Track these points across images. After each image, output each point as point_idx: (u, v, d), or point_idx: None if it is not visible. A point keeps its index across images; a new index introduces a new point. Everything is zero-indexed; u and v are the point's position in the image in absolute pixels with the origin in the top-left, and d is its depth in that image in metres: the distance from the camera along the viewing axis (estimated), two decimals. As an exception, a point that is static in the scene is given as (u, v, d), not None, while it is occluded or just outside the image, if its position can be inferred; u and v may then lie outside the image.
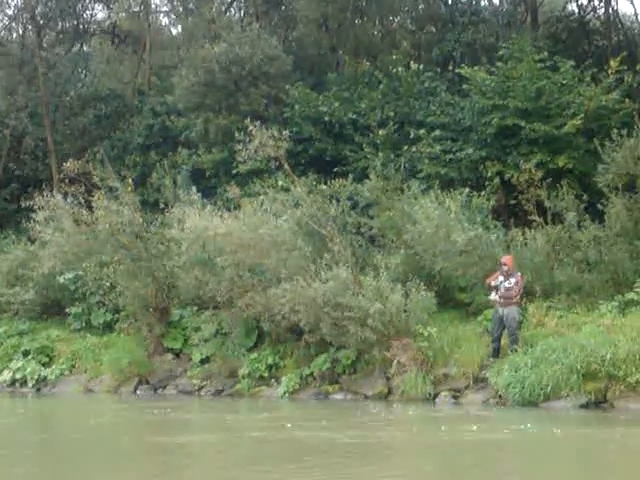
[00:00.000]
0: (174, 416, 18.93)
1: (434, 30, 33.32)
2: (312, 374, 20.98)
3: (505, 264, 19.41)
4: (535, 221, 21.57)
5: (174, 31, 44.70)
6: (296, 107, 28.46)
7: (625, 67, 25.34)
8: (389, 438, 14.99)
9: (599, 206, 21.34)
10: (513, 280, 19.23)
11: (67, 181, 24.70)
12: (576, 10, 34.49)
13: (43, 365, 24.84)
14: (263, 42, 29.31)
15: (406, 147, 25.97)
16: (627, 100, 24.79)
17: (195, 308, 24.04)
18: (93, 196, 24.11)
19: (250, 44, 28.96)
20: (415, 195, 22.54)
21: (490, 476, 12.21)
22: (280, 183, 24.02)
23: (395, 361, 19.50)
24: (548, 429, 15.49)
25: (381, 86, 28.44)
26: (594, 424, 16.17)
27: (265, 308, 21.10)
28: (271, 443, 14.99)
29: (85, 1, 38.60)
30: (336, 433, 15.57)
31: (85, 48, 42.01)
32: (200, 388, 22.57)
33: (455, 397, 18.99)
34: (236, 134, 23.60)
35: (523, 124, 23.99)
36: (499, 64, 25.66)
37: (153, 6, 41.97)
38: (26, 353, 25.17)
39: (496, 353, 19.04)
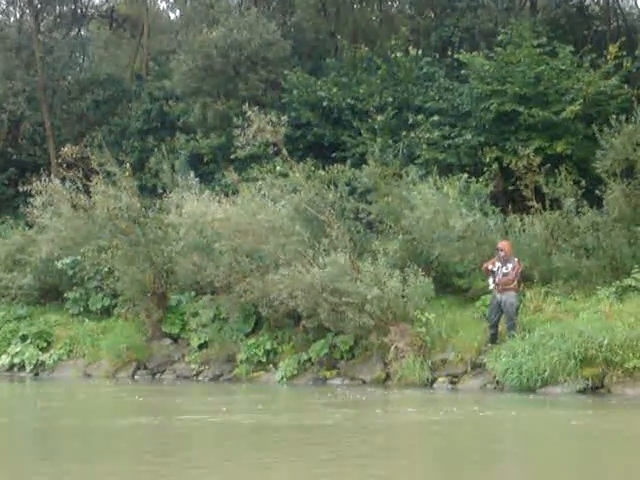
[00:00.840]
0: (131, 399, 18.92)
1: (433, 15, 33.29)
2: (310, 359, 21.00)
3: (502, 249, 19.39)
4: (533, 207, 21.55)
5: (172, 16, 44.71)
6: (294, 92, 28.42)
7: (624, 52, 25.31)
8: (323, 421, 14.96)
9: (597, 192, 21.30)
10: (510, 266, 19.20)
11: (65, 166, 24.67)
12: (575, -5, 34.40)
13: (41, 350, 24.86)
14: (261, 27, 29.25)
15: (404, 133, 25.95)
16: (626, 86, 24.78)
17: (193, 293, 24.05)
18: (91, 181, 24.08)
19: (248, 29, 28.90)
20: (413, 181, 22.51)
21: (398, 456, 12.06)
22: (278, 168, 23.99)
23: (393, 346, 19.51)
24: (476, 412, 15.67)
25: (379, 71, 28.39)
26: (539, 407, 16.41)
27: (263, 293, 21.09)
28: (189, 427, 14.93)
29: (83, -15, 38.57)
30: (270, 416, 15.58)
31: (83, 32, 41.97)
32: (198, 373, 22.62)
33: (453, 382, 19.02)
34: (234, 119, 23.59)
35: (522, 110, 23.97)
36: (498, 49, 25.63)
37: (151, -10, 41.91)
38: (24, 338, 25.20)
39: (494, 339, 19.04)
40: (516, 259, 19.41)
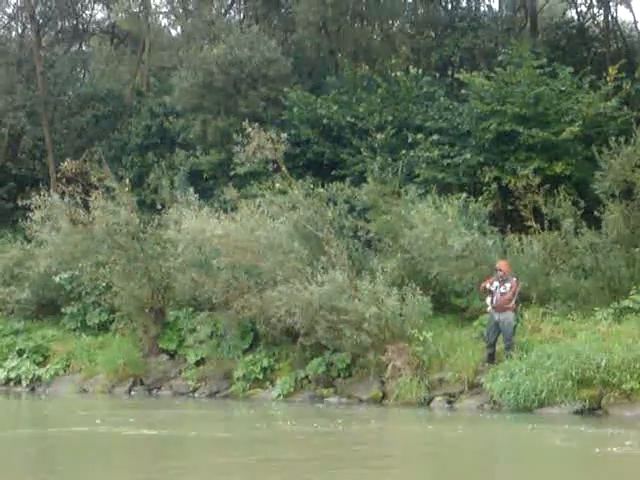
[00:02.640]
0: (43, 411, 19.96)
1: (433, 35, 33.32)
2: (307, 377, 20.98)
3: (500, 269, 19.40)
4: (532, 227, 21.60)
5: (173, 32, 44.62)
6: (294, 110, 28.43)
7: (623, 74, 25.32)
8: (194, 433, 15.75)
9: (596, 213, 21.36)
10: (508, 285, 19.21)
11: (64, 181, 24.72)
12: (575, 17, 34.51)
13: (38, 364, 24.83)
14: (262, 44, 29.29)
15: (404, 151, 25.92)
16: (625, 107, 24.80)
17: (191, 309, 24.01)
18: (90, 196, 24.11)
19: (249, 46, 28.94)
20: (412, 199, 22.55)
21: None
22: (277, 186, 23.96)
23: (390, 365, 19.49)
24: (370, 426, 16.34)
25: (380, 90, 28.39)
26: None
27: (261, 310, 21.09)
28: (49, 438, 15.80)
29: (84, 1, 38.50)
30: (138, 429, 16.18)
31: (84, 48, 42.02)
32: (194, 390, 22.58)
33: (450, 402, 18.99)
34: (234, 136, 23.62)
35: (521, 130, 24.00)
36: (498, 70, 25.66)
37: (153, 7, 41.79)
38: (21, 352, 25.16)
39: (491, 359, 19.02)
40: (514, 279, 19.42)
